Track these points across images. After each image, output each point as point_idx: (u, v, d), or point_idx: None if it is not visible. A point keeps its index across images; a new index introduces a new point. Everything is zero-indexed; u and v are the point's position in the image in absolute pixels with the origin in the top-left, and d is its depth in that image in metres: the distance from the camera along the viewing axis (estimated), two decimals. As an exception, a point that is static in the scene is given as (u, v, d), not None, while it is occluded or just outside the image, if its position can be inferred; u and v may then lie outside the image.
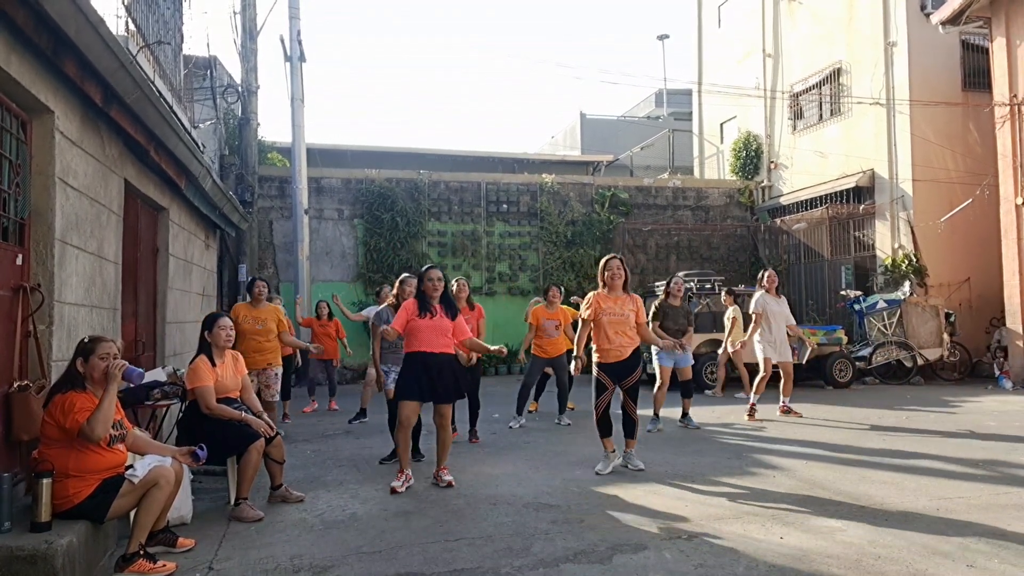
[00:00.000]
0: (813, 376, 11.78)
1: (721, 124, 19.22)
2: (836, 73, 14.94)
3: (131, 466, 3.75)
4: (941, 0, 12.44)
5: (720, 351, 10.58)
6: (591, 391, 5.77)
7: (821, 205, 14.82)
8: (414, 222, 14.73)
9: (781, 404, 8.46)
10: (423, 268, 5.46)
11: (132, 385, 4.48)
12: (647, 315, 6.18)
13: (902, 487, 5.04)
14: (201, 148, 8.37)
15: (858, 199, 14.19)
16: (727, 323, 10.37)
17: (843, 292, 13.32)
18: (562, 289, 8.77)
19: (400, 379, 5.27)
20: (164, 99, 6.93)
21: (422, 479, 5.50)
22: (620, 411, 5.79)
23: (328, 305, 10.09)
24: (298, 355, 9.21)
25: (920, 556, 3.64)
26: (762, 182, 17.09)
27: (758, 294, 8.40)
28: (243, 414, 4.78)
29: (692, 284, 11.53)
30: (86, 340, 3.76)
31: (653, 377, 8.07)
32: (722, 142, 19.13)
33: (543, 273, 15.23)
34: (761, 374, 8.29)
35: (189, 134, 7.48)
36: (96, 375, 3.63)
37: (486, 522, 4.35)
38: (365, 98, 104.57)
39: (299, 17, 13.36)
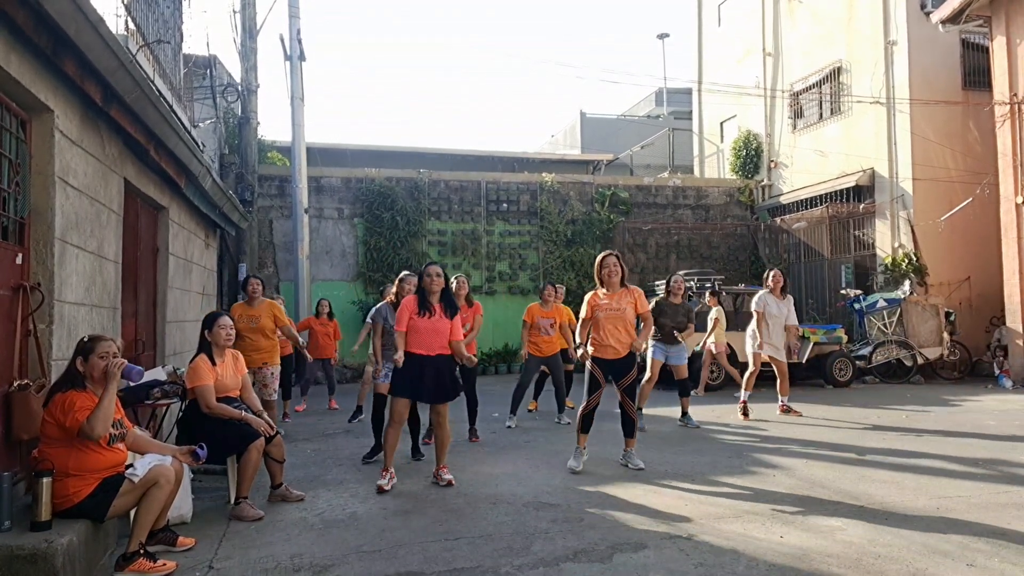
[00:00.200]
0: (813, 375, 11.79)
1: (721, 123, 19.22)
2: (836, 72, 14.94)
3: (131, 465, 3.75)
4: (941, -1, 12.45)
5: (700, 349, 10.58)
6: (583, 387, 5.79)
7: (821, 204, 14.81)
8: (414, 221, 14.73)
9: (781, 403, 8.46)
10: (425, 265, 5.47)
11: (132, 383, 4.49)
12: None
13: (902, 486, 5.04)
14: (201, 147, 8.36)
15: (858, 198, 14.18)
16: (709, 323, 10.37)
17: (843, 291, 13.32)
18: (555, 288, 8.69)
19: (395, 376, 5.29)
20: (164, 98, 6.93)
21: (422, 478, 5.51)
22: (618, 410, 5.79)
23: (329, 304, 10.10)
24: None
25: (920, 555, 3.64)
26: (762, 181, 17.09)
27: (760, 293, 8.41)
28: (243, 413, 4.78)
29: (692, 283, 11.53)
30: (86, 339, 3.76)
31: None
32: (722, 141, 19.12)
33: (543, 272, 15.23)
34: (750, 369, 8.32)
35: (189, 133, 7.47)
36: (96, 374, 3.63)
37: (486, 521, 4.35)
38: (365, 98, 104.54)
39: (299, 16, 13.34)
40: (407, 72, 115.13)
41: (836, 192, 14.51)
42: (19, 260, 4.05)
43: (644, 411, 7.74)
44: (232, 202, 9.82)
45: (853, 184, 14.03)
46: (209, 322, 4.97)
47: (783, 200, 16.10)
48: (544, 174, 16.04)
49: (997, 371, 11.54)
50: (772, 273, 8.45)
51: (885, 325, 12.14)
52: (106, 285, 5.28)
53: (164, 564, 3.63)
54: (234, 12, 12.53)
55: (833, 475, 5.42)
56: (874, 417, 8.27)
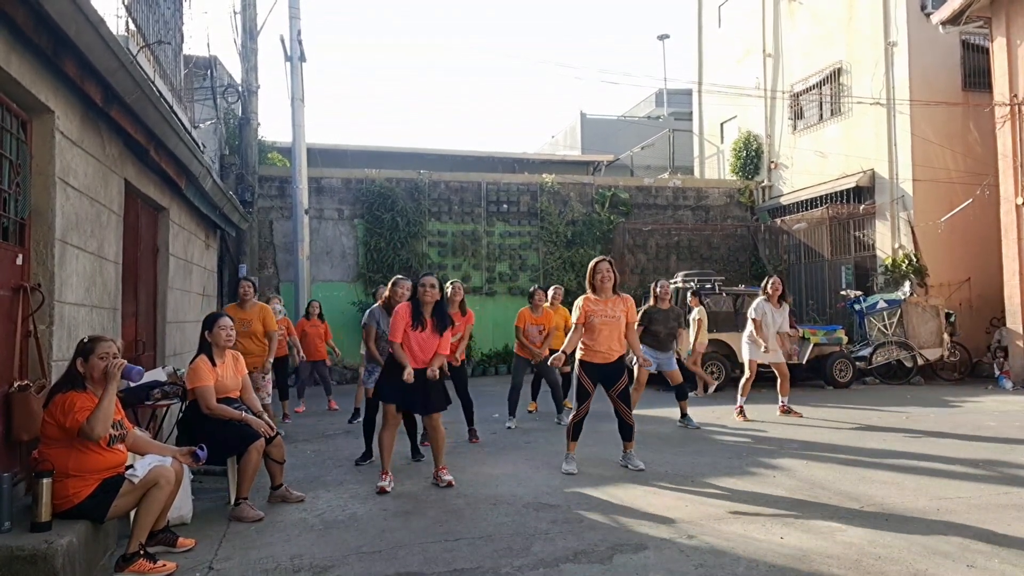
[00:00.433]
0: (813, 376, 11.79)
1: (721, 124, 19.22)
2: (836, 73, 14.94)
3: (131, 466, 3.75)
4: (941, 0, 12.44)
5: (685, 351, 10.57)
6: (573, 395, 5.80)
7: (821, 205, 14.81)
8: (414, 222, 14.73)
9: (781, 404, 8.47)
10: (420, 275, 5.44)
11: (132, 383, 4.49)
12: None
13: (902, 487, 5.04)
14: (201, 148, 8.36)
15: (858, 199, 14.18)
16: (692, 324, 10.35)
17: (843, 292, 13.32)
18: (547, 292, 8.68)
19: (384, 383, 5.29)
20: (164, 99, 6.93)
21: (422, 479, 5.51)
22: (615, 416, 5.80)
23: (319, 305, 10.11)
24: (295, 355, 9.24)
25: (920, 556, 3.64)
26: (762, 182, 17.09)
27: (758, 300, 8.44)
28: (243, 414, 4.78)
29: (692, 284, 11.53)
30: (86, 340, 3.76)
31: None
32: (722, 142, 19.12)
33: (543, 273, 15.22)
34: (746, 375, 8.34)
35: (189, 134, 7.48)
36: (96, 375, 3.63)
37: (486, 522, 4.35)
38: (365, 98, 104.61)
39: (299, 17, 13.35)
40: (407, 73, 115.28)
41: (836, 193, 14.50)
42: (19, 261, 4.05)
43: (643, 412, 7.75)
44: (232, 203, 9.82)
45: (853, 185, 14.03)
46: (209, 323, 4.97)
47: (783, 201, 16.10)
48: (544, 175, 16.04)
49: (997, 372, 11.53)
50: (771, 281, 8.46)
51: (885, 326, 12.14)
52: (106, 286, 5.28)
53: (164, 565, 3.63)
54: (234, 13, 12.54)
55: (833, 476, 5.42)
56: (874, 418, 8.27)
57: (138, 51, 6.79)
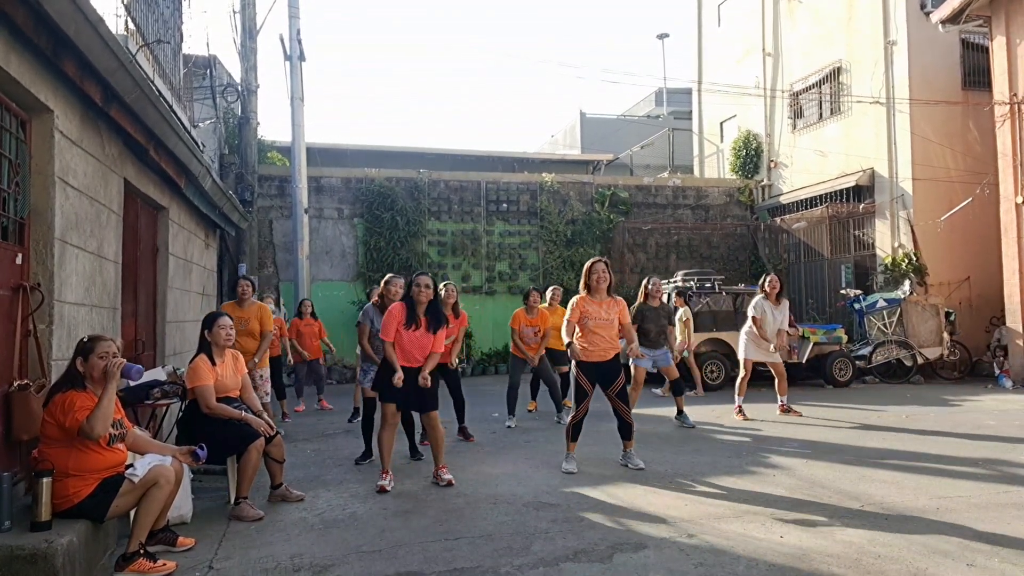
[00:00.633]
0: (813, 375, 11.79)
1: (721, 123, 19.22)
2: (836, 72, 14.93)
3: (131, 465, 3.75)
4: (941, -1, 12.45)
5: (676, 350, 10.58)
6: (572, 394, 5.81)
7: (821, 204, 14.81)
8: (414, 221, 14.73)
9: (780, 403, 8.46)
10: (414, 274, 5.46)
11: (132, 382, 4.49)
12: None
13: (902, 486, 5.04)
14: (201, 147, 8.36)
15: (858, 198, 14.18)
16: (678, 324, 10.33)
17: (843, 291, 13.32)
18: (546, 293, 8.70)
19: (381, 382, 5.31)
20: (164, 98, 6.92)
21: (422, 478, 5.51)
22: (614, 417, 5.80)
23: (311, 304, 10.13)
24: (289, 355, 9.28)
25: (920, 555, 3.64)
26: (762, 181, 17.09)
27: (757, 298, 8.43)
28: (243, 413, 4.78)
29: (692, 283, 11.53)
30: (85, 339, 3.76)
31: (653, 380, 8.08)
32: (722, 141, 19.12)
33: (543, 272, 15.23)
34: (741, 374, 8.34)
35: (189, 133, 7.47)
36: (96, 374, 3.63)
37: (486, 521, 4.35)
38: (365, 98, 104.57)
39: (299, 16, 13.35)
40: (407, 72, 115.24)
41: (836, 192, 14.50)
42: (19, 260, 4.05)
43: (642, 412, 7.75)
44: (232, 202, 9.82)
45: (853, 184, 14.03)
46: (209, 322, 4.97)
47: (783, 200, 16.10)
48: (544, 174, 16.04)
49: (997, 371, 11.53)
50: (769, 278, 8.45)
51: (885, 325, 12.14)
52: (106, 285, 5.28)
53: (164, 564, 3.63)
54: (234, 12, 12.54)
55: (833, 475, 5.42)
56: (874, 417, 8.27)
57: (137, 50, 6.78)
